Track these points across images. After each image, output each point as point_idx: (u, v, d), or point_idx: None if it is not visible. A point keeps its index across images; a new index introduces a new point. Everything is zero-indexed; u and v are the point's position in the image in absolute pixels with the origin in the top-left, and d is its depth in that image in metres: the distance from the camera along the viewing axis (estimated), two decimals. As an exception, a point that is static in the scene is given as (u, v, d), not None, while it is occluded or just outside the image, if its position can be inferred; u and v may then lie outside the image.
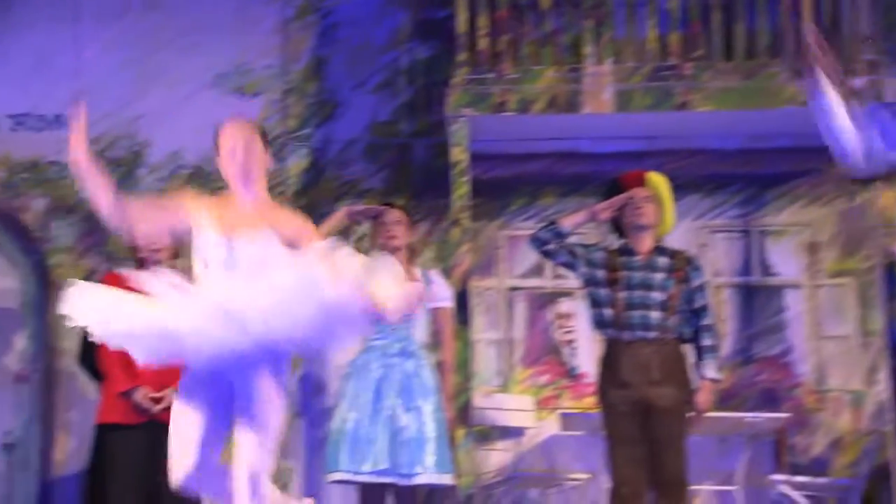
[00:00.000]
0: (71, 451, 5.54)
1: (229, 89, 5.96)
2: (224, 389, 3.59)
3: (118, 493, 4.74)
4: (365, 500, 4.83)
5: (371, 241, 5.41)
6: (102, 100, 5.82)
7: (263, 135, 3.79)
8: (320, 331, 3.45)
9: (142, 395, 4.73)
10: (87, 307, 3.42)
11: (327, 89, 6.03)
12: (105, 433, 4.81)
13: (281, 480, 5.62)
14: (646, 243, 4.67)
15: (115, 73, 5.88)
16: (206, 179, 5.80)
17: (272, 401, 3.58)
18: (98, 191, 3.56)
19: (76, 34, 5.90)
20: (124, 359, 4.56)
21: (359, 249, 5.72)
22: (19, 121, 5.73)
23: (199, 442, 3.59)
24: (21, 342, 5.71)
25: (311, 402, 5.73)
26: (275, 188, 5.87)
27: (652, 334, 4.57)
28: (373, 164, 5.98)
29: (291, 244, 3.65)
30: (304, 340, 3.50)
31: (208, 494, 3.72)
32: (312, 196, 5.95)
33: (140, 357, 3.46)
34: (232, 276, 3.57)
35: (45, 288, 5.80)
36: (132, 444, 4.75)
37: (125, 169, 5.83)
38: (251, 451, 3.55)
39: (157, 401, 4.75)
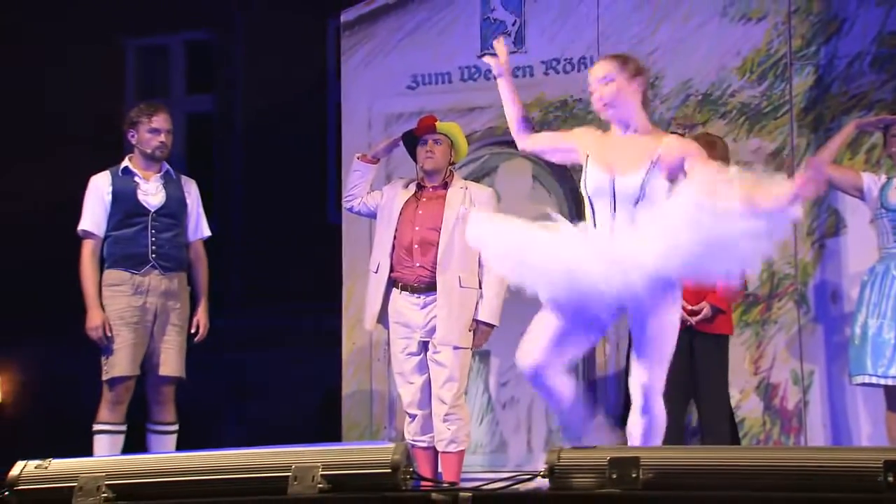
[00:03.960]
0: (609, 355, 5.38)
1: (736, 17, 5.39)
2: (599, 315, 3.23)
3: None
4: (893, 402, 4.32)
5: (884, 151, 4.69)
6: (619, 40, 5.54)
7: (634, 65, 3.37)
8: (712, 258, 3.00)
9: (679, 308, 4.51)
10: (485, 235, 3.25)
11: (832, 6, 5.31)
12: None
13: (801, 383, 5.09)
14: None
15: (631, 14, 5.54)
16: (714, 105, 5.37)
17: (668, 322, 3.19)
18: (511, 113, 3.48)
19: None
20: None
21: (870, 161, 5.07)
22: (550, 65, 5.58)
23: (552, 340, 3.24)
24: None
25: (827, 309, 5.10)
26: (780, 107, 5.31)
27: None
28: (882, 75, 5.19)
29: (678, 171, 3.20)
30: (695, 269, 3.07)
31: (544, 395, 3.38)
32: (819, 112, 5.29)
33: (539, 292, 3.18)
34: (614, 210, 3.21)
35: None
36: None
37: (640, 102, 5.46)
38: (645, 364, 3.20)
39: (693, 313, 4.50)
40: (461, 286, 4.50)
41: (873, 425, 4.82)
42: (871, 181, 4.48)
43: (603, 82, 3.32)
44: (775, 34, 5.36)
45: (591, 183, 3.26)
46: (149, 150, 4.62)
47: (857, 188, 4.51)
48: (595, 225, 3.24)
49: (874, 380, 4.25)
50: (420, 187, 4.69)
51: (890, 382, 4.21)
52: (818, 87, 5.29)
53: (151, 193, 4.61)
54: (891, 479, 2.28)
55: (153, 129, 4.60)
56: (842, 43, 5.25)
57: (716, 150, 4.38)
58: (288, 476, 2.59)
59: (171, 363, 4.53)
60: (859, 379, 4.30)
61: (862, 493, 2.31)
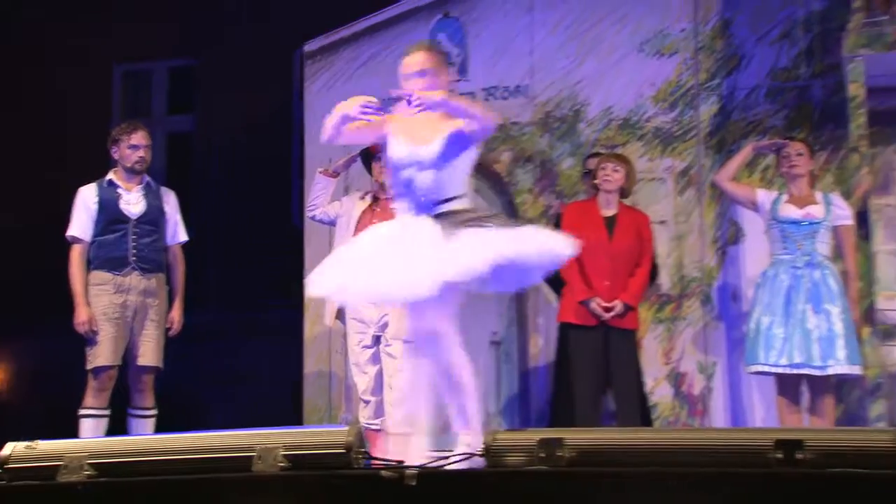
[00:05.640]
0: (541, 348, 5.37)
1: (651, 53, 5.46)
2: None
3: (577, 380, 4.52)
4: (783, 388, 4.38)
5: (776, 170, 4.76)
6: (550, 71, 5.61)
7: (442, 58, 3.34)
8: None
9: (596, 304, 4.50)
10: (324, 284, 3.15)
11: (733, 45, 5.39)
12: (567, 330, 4.60)
13: (706, 372, 5.15)
14: None
15: (560, 49, 5.60)
16: (632, 129, 5.43)
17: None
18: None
19: (530, 21, 5.66)
20: (583, 273, 4.50)
21: (764, 179, 5.15)
22: (490, 92, 5.59)
23: None
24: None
25: (728, 307, 5.17)
26: (689, 131, 5.38)
27: None
28: (775, 105, 5.27)
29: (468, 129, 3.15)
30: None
31: None
32: (722, 136, 5.38)
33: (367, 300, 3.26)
34: (417, 174, 3.13)
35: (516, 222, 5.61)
36: (589, 342, 4.51)
37: (568, 125, 5.54)
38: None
39: (607, 309, 4.50)
40: (410, 286, 4.48)
41: (766, 409, 4.88)
42: (764, 196, 4.56)
43: (418, 70, 3.30)
44: (685, 68, 5.43)
45: (395, 154, 3.21)
46: (129, 165, 4.57)
47: (753, 202, 4.58)
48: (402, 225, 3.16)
49: (766, 368, 4.30)
50: (375, 199, 4.69)
51: (779, 370, 4.27)
52: (721, 114, 5.37)
53: (133, 203, 4.56)
54: (780, 455, 2.32)
55: (133, 146, 4.56)
56: (741, 76, 5.35)
57: (629, 165, 4.64)
58: (252, 456, 2.56)
59: (149, 354, 4.48)
60: (753, 368, 4.34)
61: (756, 468, 2.34)
